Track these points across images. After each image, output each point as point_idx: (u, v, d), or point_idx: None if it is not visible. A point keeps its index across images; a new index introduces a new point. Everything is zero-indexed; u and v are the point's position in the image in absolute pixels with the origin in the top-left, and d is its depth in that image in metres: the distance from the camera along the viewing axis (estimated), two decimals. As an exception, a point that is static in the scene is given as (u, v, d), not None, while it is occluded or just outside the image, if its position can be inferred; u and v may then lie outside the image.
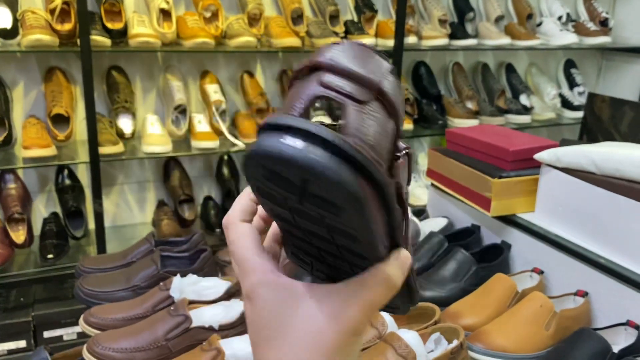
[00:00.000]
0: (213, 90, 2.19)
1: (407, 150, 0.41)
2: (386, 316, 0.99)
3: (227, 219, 0.44)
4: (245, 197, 0.44)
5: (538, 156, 1.26)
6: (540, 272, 1.21)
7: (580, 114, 2.61)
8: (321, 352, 0.39)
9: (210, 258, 1.26)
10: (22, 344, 1.84)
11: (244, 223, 0.43)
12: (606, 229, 1.13)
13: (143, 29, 1.95)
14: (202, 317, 1.03)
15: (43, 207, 2.15)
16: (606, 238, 1.13)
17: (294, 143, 0.34)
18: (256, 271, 0.41)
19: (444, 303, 1.14)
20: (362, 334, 0.41)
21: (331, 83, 0.37)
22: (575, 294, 1.13)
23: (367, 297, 0.40)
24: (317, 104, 0.39)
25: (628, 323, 1.04)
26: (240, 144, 2.14)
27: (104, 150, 1.93)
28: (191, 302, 1.06)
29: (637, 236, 1.07)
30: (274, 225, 0.48)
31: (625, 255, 1.09)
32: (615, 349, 0.99)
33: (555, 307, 1.07)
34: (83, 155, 1.98)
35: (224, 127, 2.15)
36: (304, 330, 0.39)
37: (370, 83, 0.38)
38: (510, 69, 2.83)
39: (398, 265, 0.41)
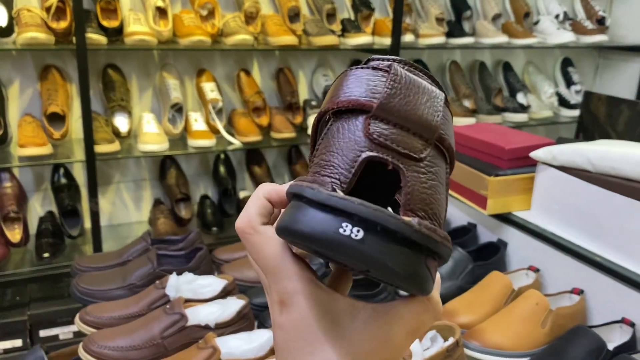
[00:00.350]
0: (209, 89, 2.19)
1: None
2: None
3: (245, 223, 0.40)
4: (260, 197, 0.41)
5: (534, 154, 1.26)
6: (536, 270, 1.22)
7: (577, 112, 2.61)
8: None
9: (206, 256, 1.26)
10: (18, 343, 1.83)
11: (266, 226, 0.40)
12: (602, 227, 1.13)
13: (139, 27, 1.94)
14: (198, 315, 1.03)
15: (39, 206, 2.14)
16: (602, 236, 1.13)
17: (356, 235, 0.29)
18: (293, 278, 0.38)
19: (440, 301, 1.14)
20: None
21: (382, 136, 0.31)
22: (571, 291, 1.14)
23: (415, 324, 0.38)
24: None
25: (623, 320, 1.04)
26: (236, 143, 2.13)
27: (99, 148, 1.93)
28: (187, 301, 1.06)
29: (632, 234, 1.07)
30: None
31: (621, 253, 1.09)
32: (611, 346, 0.99)
33: (551, 304, 1.07)
34: (79, 153, 1.98)
35: (220, 126, 2.15)
36: (344, 349, 0.37)
37: (429, 130, 0.32)
38: (507, 67, 2.83)
39: (438, 290, 0.40)
